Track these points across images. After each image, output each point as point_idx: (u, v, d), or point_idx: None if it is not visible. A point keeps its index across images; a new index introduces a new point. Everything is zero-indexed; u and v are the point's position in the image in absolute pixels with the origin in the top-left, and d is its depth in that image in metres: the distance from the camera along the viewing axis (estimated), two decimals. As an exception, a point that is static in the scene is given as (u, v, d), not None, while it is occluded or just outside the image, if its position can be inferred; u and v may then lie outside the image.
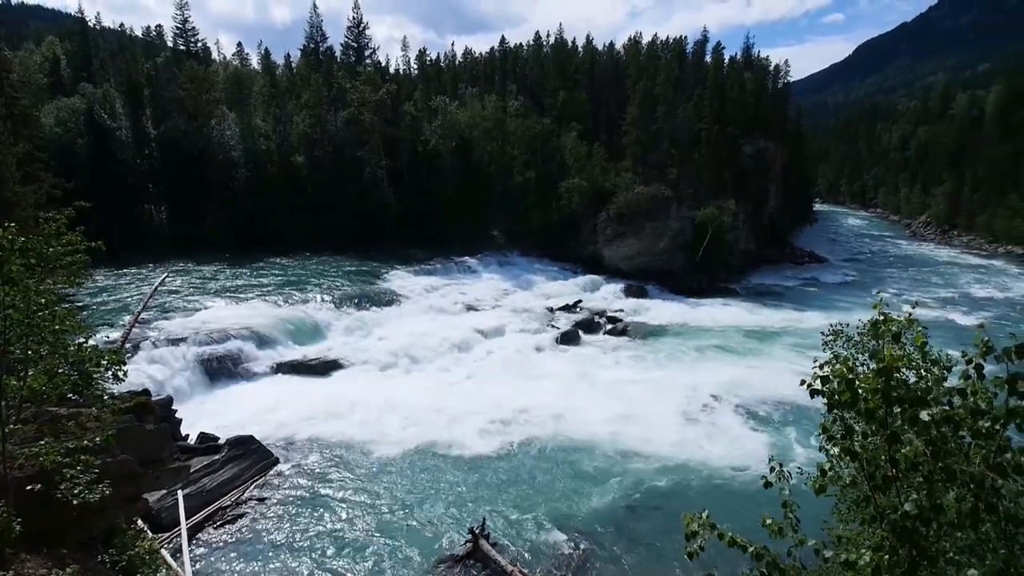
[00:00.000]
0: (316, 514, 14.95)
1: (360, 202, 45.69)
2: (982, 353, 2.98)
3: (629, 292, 42.70)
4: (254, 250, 40.26)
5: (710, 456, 18.47)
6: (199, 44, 60.21)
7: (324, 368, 24.79)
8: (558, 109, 58.14)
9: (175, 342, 23.05)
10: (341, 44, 60.09)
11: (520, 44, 75.98)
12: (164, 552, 11.57)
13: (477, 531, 13.66)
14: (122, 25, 75.02)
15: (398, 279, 37.13)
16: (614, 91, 62.69)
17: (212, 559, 13.01)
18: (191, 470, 15.15)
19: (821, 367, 3.43)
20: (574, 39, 75.12)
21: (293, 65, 62.49)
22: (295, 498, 15.65)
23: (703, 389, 23.88)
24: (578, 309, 36.84)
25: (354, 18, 58.74)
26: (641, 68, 58.61)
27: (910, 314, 4.13)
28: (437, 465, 17.78)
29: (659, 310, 38.66)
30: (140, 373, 19.78)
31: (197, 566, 12.44)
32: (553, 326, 32.86)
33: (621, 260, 48.17)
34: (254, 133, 46.80)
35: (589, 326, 33.74)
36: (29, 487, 6.96)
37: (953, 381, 3.29)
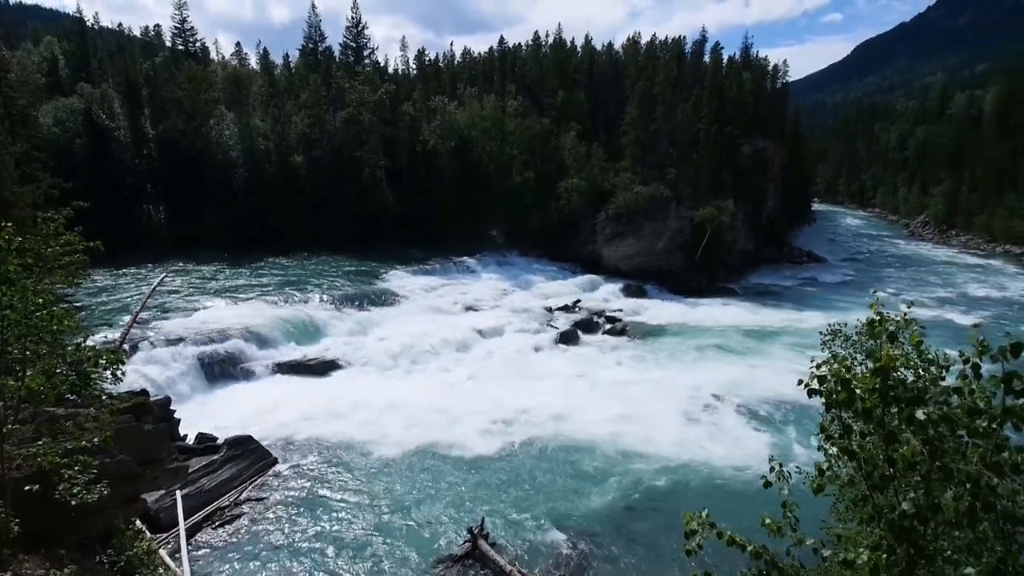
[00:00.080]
0: (315, 514, 14.94)
1: (359, 202, 45.67)
2: (978, 352, 2.99)
3: (628, 292, 42.74)
4: (253, 250, 40.24)
5: (711, 456, 18.46)
6: (197, 44, 60.19)
7: (323, 368, 24.78)
8: (557, 109, 58.16)
9: (174, 342, 23.03)
10: (340, 44, 60.16)
11: (519, 44, 76.06)
12: (162, 552, 11.56)
13: (476, 531, 13.66)
14: (120, 25, 74.92)
15: (397, 279, 37.13)
16: (613, 91, 62.70)
17: (210, 559, 12.99)
18: (189, 470, 15.13)
19: (818, 367, 3.43)
20: (573, 39, 75.17)
21: (292, 65, 62.46)
22: (294, 498, 15.64)
23: (704, 389, 23.87)
24: (577, 309, 36.85)
25: (353, 18, 58.74)
26: (640, 68, 58.64)
27: (905, 314, 4.14)
28: (437, 465, 17.77)
29: (658, 310, 38.70)
30: (138, 373, 19.74)
31: (195, 566, 12.42)
32: (552, 326, 32.87)
33: (620, 260, 48.21)
34: (253, 133, 46.77)
35: (588, 326, 33.75)
36: (27, 487, 6.95)
37: (952, 381, 3.30)
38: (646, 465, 17.89)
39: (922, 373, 3.81)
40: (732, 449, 18.93)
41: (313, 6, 59.48)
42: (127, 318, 23.56)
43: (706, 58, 65.88)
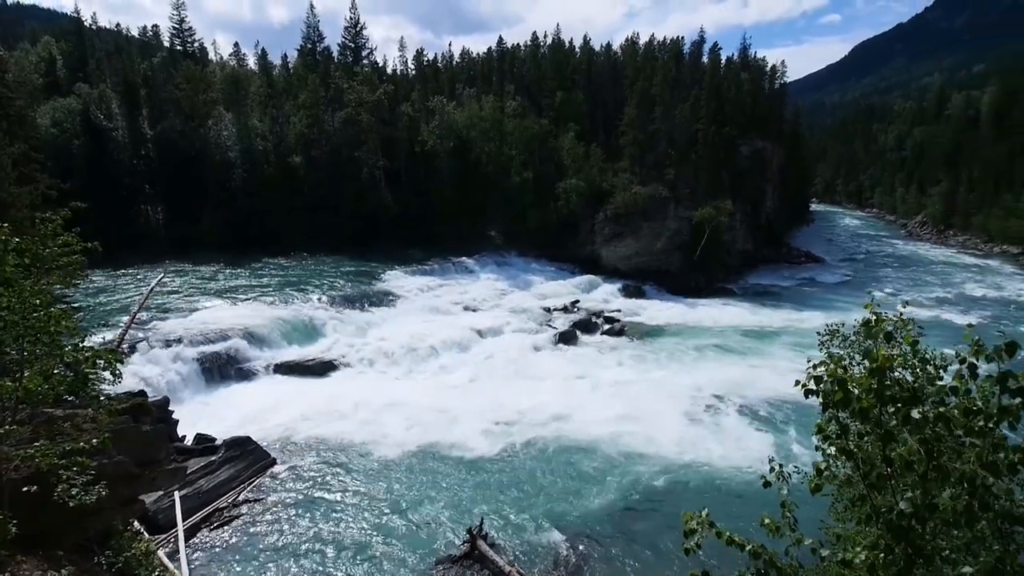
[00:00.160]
0: (313, 515, 14.92)
1: (357, 202, 45.66)
2: (973, 352, 3.00)
3: (626, 292, 42.77)
4: (251, 250, 40.19)
5: (713, 456, 18.42)
6: (196, 44, 60.04)
7: (322, 368, 24.76)
8: (555, 109, 58.19)
9: (172, 343, 22.99)
10: (338, 44, 60.09)
11: (517, 44, 76.07)
12: (161, 554, 11.55)
13: (475, 531, 13.66)
14: (118, 25, 74.92)
15: (395, 279, 37.11)
16: (611, 92, 62.75)
17: (209, 561, 12.97)
18: (188, 471, 15.10)
19: (815, 367, 3.44)
20: (571, 40, 75.17)
21: (290, 65, 62.39)
22: (292, 499, 15.62)
23: (705, 389, 23.84)
24: (575, 309, 36.86)
25: (351, 18, 58.71)
26: (638, 69, 58.69)
27: (901, 313, 4.15)
28: (436, 466, 17.75)
29: (657, 310, 38.72)
30: (137, 374, 19.73)
31: (194, 568, 12.40)
32: (550, 326, 32.87)
33: (619, 260, 48.25)
34: (251, 133, 46.71)
35: (586, 326, 33.76)
36: (25, 489, 6.92)
37: (949, 380, 3.31)
38: (647, 465, 17.88)
39: (919, 373, 3.83)
40: (733, 449, 18.90)
41: (311, 6, 59.48)
42: (125, 319, 23.51)
43: (704, 59, 66.01)
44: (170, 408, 18.16)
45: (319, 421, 19.84)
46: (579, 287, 42.16)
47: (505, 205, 49.83)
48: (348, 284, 34.82)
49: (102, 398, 8.47)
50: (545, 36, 75.04)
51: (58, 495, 6.89)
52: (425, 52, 75.72)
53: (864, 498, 3.57)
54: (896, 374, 3.25)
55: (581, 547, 14.07)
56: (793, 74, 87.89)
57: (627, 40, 70.97)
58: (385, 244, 44.06)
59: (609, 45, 73.25)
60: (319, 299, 30.82)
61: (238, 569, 12.77)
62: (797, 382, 3.52)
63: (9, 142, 23.53)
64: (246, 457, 16.61)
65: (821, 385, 3.34)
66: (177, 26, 57.26)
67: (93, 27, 69.10)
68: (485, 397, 22.64)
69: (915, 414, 3.00)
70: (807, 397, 3.40)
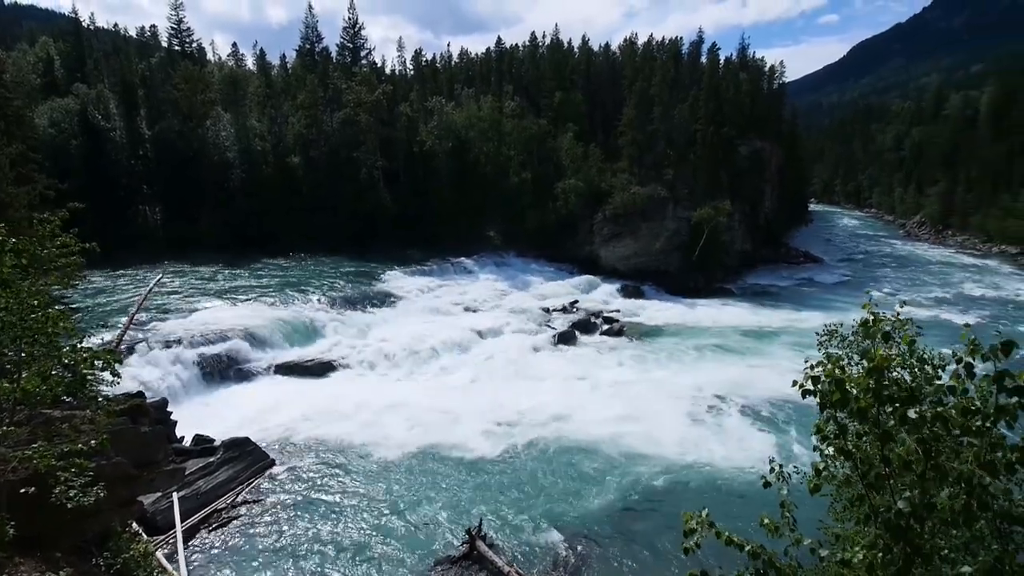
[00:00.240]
0: (312, 516, 14.91)
1: (356, 203, 45.64)
2: (969, 352, 3.00)
3: (625, 292, 42.79)
4: (249, 251, 40.16)
5: (714, 457, 18.36)
6: (194, 44, 60.01)
7: (321, 369, 24.74)
8: (554, 110, 58.21)
9: (170, 344, 22.96)
10: (337, 45, 60.16)
11: (516, 45, 76.16)
12: (159, 555, 11.53)
13: (474, 532, 13.65)
14: (116, 25, 74.98)
15: (394, 280, 37.11)
16: (610, 92, 62.81)
17: (208, 562, 12.95)
18: (186, 472, 15.06)
19: (812, 367, 3.44)
20: (570, 40, 75.27)
21: (288, 66, 62.37)
22: (291, 500, 15.60)
23: (706, 389, 23.79)
24: (574, 310, 36.87)
25: (350, 19, 58.74)
26: (637, 69, 58.75)
27: (898, 313, 4.16)
28: (436, 467, 17.72)
29: (656, 310, 38.74)
30: (135, 375, 19.69)
31: (192, 569, 12.38)
32: (549, 327, 32.88)
33: (617, 260, 48.28)
34: (249, 134, 46.67)
35: (585, 327, 33.77)
36: (23, 490, 6.90)
37: (947, 380, 3.31)
38: (648, 466, 17.85)
39: (917, 372, 3.83)
40: (736, 450, 18.83)
41: (310, 7, 59.55)
42: (124, 319, 23.47)
43: (703, 59, 66.15)
44: (169, 409, 18.12)
45: (319, 422, 19.81)
46: (578, 287, 42.18)
47: (504, 205, 49.85)
48: (348, 285, 34.81)
49: (100, 399, 8.45)
50: (544, 36, 75.25)
51: (56, 497, 6.87)
52: (424, 52, 75.98)
53: (863, 498, 3.57)
54: (894, 374, 3.25)
55: (580, 547, 14.06)
56: (791, 74, 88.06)
57: (626, 40, 71.17)
58: (384, 244, 44.05)
59: (608, 45, 73.44)
60: (319, 300, 30.80)
61: (237, 570, 12.75)
62: (795, 383, 3.52)
63: (7, 142, 23.49)
64: (245, 458, 16.59)
65: (818, 385, 3.34)
66: (175, 26, 57.25)
67: (91, 27, 69.07)
68: (486, 398, 22.63)
69: (912, 414, 3.01)
70: (804, 397, 3.40)
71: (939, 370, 4.15)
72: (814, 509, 5.31)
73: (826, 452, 3.69)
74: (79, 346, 7.67)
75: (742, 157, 56.01)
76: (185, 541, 12.84)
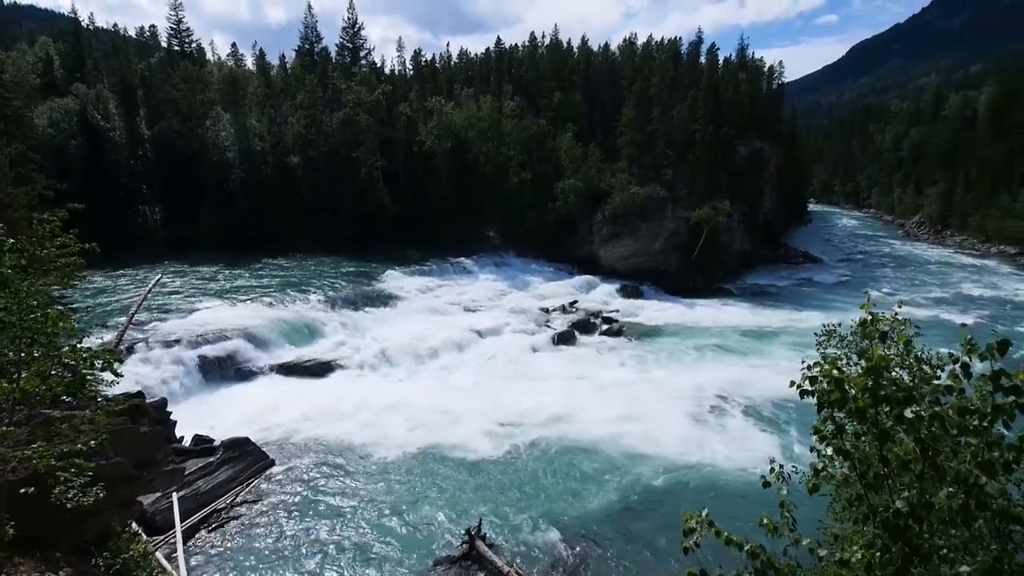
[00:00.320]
0: (312, 516, 14.91)
1: (356, 203, 45.63)
2: (966, 351, 3.01)
3: (624, 292, 42.80)
4: (249, 251, 40.15)
5: (716, 457, 18.34)
6: (193, 45, 59.99)
7: (320, 369, 24.73)
8: (553, 110, 58.24)
9: (170, 344, 22.96)
10: (336, 45, 60.13)
11: (515, 45, 76.21)
12: (159, 555, 11.52)
13: (473, 532, 13.66)
14: (115, 25, 74.96)
15: (394, 280, 37.10)
16: (609, 92, 62.84)
17: (207, 562, 12.95)
18: (186, 472, 15.06)
19: (810, 367, 3.45)
20: (569, 40, 75.32)
21: (288, 66, 62.35)
22: (291, 500, 15.60)
23: (706, 389, 23.74)
24: (574, 310, 36.88)
25: (349, 19, 58.71)
26: (636, 69, 58.79)
27: (896, 313, 4.17)
28: (436, 467, 17.72)
29: (655, 310, 38.76)
30: (135, 375, 19.66)
31: (192, 569, 12.38)
32: (549, 327, 32.89)
33: (617, 260, 48.29)
34: (249, 134, 46.65)
35: (585, 327, 33.78)
36: (22, 491, 6.91)
37: (945, 380, 3.31)
38: (648, 466, 17.84)
39: (915, 372, 3.84)
40: (738, 450, 18.80)
41: (309, 7, 59.47)
42: (123, 319, 23.46)
43: (702, 59, 66.23)
44: (168, 409, 18.11)
45: (319, 422, 19.81)
46: (577, 287, 42.19)
47: (503, 205, 49.85)
48: (347, 285, 34.80)
49: (100, 399, 8.45)
50: (543, 36, 75.29)
51: (55, 497, 6.87)
52: (423, 52, 76.01)
53: (861, 498, 3.58)
54: (892, 374, 3.26)
55: (580, 547, 14.07)
56: (790, 75, 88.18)
57: (625, 40, 71.23)
58: (383, 244, 44.04)
59: (607, 45, 73.47)
60: (319, 300, 30.80)
61: (236, 570, 12.74)
62: (792, 383, 3.53)
63: (6, 142, 23.48)
64: (245, 458, 16.58)
65: (816, 385, 3.34)
66: (174, 26, 57.22)
67: (90, 27, 68.98)
68: (486, 398, 22.62)
69: (909, 413, 3.01)
70: (803, 398, 3.41)
71: (937, 370, 4.16)
72: (813, 509, 5.32)
73: (824, 452, 3.70)
74: (79, 346, 7.67)
75: (741, 157, 56.04)
76: (185, 541, 12.84)
